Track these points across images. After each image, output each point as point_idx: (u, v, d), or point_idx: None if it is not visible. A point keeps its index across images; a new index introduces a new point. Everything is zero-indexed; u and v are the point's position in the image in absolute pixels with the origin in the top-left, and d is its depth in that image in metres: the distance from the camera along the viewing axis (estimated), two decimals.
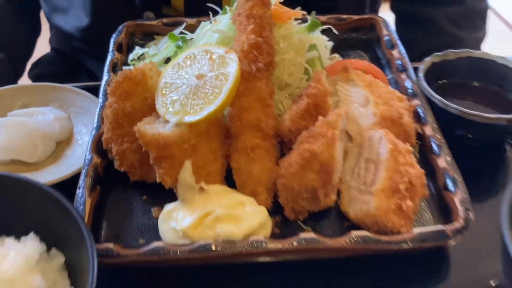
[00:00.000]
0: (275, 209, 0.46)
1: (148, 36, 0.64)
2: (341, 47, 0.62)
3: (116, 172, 0.48)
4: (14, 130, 0.53)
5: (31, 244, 0.34)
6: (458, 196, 0.44)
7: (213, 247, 0.41)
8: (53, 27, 0.84)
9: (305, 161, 0.43)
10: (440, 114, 0.53)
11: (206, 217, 0.43)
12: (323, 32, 0.58)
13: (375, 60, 0.62)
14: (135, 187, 0.48)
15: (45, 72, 0.85)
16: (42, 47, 0.93)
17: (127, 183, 0.48)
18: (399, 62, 0.58)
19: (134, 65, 0.58)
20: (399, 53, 0.59)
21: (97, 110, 0.52)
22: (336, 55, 0.58)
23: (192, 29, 0.59)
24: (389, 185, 0.44)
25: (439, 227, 0.43)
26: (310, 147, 0.43)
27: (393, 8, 0.81)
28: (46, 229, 0.36)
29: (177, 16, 0.64)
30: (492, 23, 0.82)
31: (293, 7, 0.53)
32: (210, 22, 0.56)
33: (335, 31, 0.58)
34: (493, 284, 0.44)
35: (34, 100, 0.59)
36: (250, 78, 0.46)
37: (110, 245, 0.40)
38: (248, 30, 0.47)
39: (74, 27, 0.75)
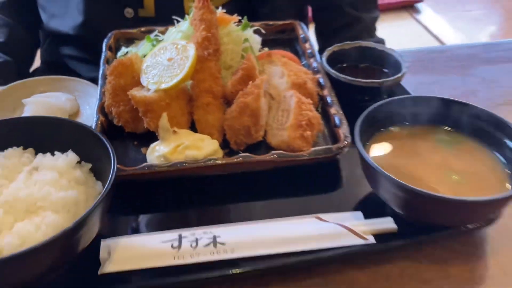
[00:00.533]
0: (224, 145, 0.69)
1: (130, 41, 0.87)
2: (270, 44, 0.86)
3: (115, 127, 0.71)
4: (38, 106, 0.74)
5: (71, 155, 0.56)
6: (342, 129, 0.68)
7: (185, 164, 0.63)
8: (50, 33, 1.01)
9: (241, 109, 0.67)
10: (335, 84, 0.77)
11: (178, 147, 0.65)
12: (256, 32, 0.82)
13: (295, 53, 0.87)
14: (128, 136, 0.71)
15: None
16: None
17: (123, 134, 0.71)
18: (309, 51, 0.83)
19: None
20: (310, 45, 0.84)
21: (99, 87, 0.74)
22: (266, 49, 0.83)
23: (163, 32, 0.83)
24: (295, 123, 0.67)
25: (327, 146, 0.67)
26: (244, 100, 0.67)
27: (311, 2, 1.07)
28: (80, 149, 0.58)
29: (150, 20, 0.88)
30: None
31: (232, 14, 0.77)
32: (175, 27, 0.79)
33: (263, 31, 0.82)
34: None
35: (49, 88, 0.80)
36: (203, 60, 0.70)
37: (118, 165, 0.62)
38: (201, 29, 0.71)
39: (70, 27, 0.93)
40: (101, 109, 0.71)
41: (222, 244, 0.56)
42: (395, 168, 0.58)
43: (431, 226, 0.57)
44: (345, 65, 0.84)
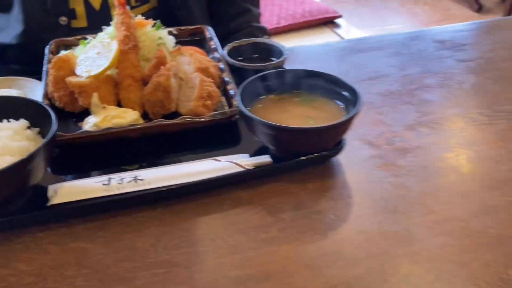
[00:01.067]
0: (144, 116, 0.89)
1: (68, 47, 1.06)
2: (185, 44, 1.07)
3: (57, 109, 0.89)
4: None
5: (23, 120, 0.74)
6: (234, 100, 0.90)
7: (113, 129, 0.83)
8: None
9: (155, 87, 0.87)
10: (233, 69, 0.99)
11: (107, 117, 0.85)
12: (171, 34, 1.04)
13: (205, 50, 1.09)
14: (69, 115, 0.90)
15: None
16: None
17: (64, 113, 0.89)
18: (213, 46, 1.06)
19: None
20: (214, 42, 1.07)
21: (43, 81, 0.93)
22: (179, 45, 1.04)
23: (94, 37, 1.03)
24: (199, 95, 0.88)
25: (223, 110, 0.88)
26: (157, 79, 0.87)
27: None
28: (30, 118, 0.76)
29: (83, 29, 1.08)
30: None
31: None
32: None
33: (175, 32, 1.05)
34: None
35: (1, 86, 0.99)
36: (125, 53, 0.90)
37: (60, 133, 0.81)
38: (122, 29, 0.91)
39: (12, 37, 1.09)
40: (46, 96, 0.90)
41: (141, 180, 0.76)
42: (267, 119, 0.80)
43: (295, 156, 0.79)
44: (242, 58, 1.07)
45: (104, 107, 0.86)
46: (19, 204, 0.71)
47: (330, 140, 0.79)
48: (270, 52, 1.06)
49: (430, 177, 0.79)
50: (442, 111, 0.96)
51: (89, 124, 0.84)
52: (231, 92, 0.91)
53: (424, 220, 0.71)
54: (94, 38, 1.01)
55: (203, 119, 0.85)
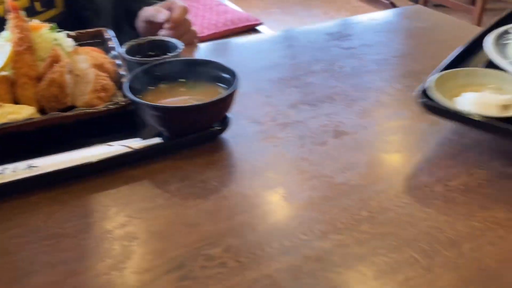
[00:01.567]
0: (42, 112, 0.94)
1: None
2: (87, 46, 1.14)
3: None
4: None
5: None
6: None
7: (8, 124, 0.87)
8: None
9: (49, 82, 0.92)
10: (130, 65, 1.06)
11: (3, 114, 0.89)
12: (70, 37, 1.09)
13: (105, 50, 1.16)
14: None
15: None
16: None
17: None
18: (111, 45, 1.12)
19: None
20: (112, 42, 1.13)
21: None
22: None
23: None
24: (93, 89, 0.94)
25: (115, 101, 0.94)
26: (51, 76, 0.93)
27: None
28: None
29: None
30: None
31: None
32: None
33: (74, 34, 1.10)
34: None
35: None
36: (19, 54, 0.94)
37: None
38: (16, 32, 0.96)
39: None
40: None
41: (36, 167, 0.81)
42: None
43: (184, 135, 0.86)
44: (140, 56, 1.14)
45: (1, 105, 0.90)
46: None
47: (212, 116, 0.87)
48: (167, 47, 1.13)
49: (305, 145, 0.89)
50: (322, 91, 1.07)
51: None
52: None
53: (297, 178, 0.81)
54: None
55: (97, 110, 0.91)
